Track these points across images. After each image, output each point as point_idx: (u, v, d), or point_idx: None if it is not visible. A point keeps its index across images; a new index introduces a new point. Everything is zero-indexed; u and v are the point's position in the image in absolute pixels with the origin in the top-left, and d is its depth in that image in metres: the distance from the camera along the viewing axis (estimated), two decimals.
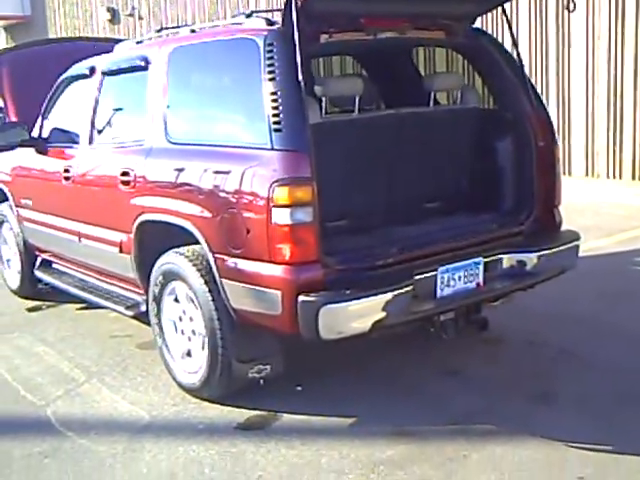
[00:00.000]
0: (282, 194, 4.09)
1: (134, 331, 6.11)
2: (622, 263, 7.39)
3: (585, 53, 10.20)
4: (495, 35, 6.57)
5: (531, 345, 5.42)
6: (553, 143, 5.11)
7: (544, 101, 10.40)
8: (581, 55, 10.25)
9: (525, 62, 10.46)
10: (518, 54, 5.22)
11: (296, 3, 4.13)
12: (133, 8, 16.57)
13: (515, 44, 5.24)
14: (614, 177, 10.21)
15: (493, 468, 3.90)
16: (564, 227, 5.20)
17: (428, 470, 3.91)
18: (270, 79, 4.23)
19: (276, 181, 4.11)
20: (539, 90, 10.37)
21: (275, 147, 4.16)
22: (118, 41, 6.72)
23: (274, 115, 4.17)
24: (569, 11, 4.81)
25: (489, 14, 6.29)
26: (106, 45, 6.74)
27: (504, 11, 5.22)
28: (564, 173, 10.47)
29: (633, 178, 10.03)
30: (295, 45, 4.14)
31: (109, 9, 16.98)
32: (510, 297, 5.06)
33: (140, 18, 16.40)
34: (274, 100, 4.18)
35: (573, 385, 4.79)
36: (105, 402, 4.95)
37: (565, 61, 10.47)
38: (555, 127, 10.24)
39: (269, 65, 4.25)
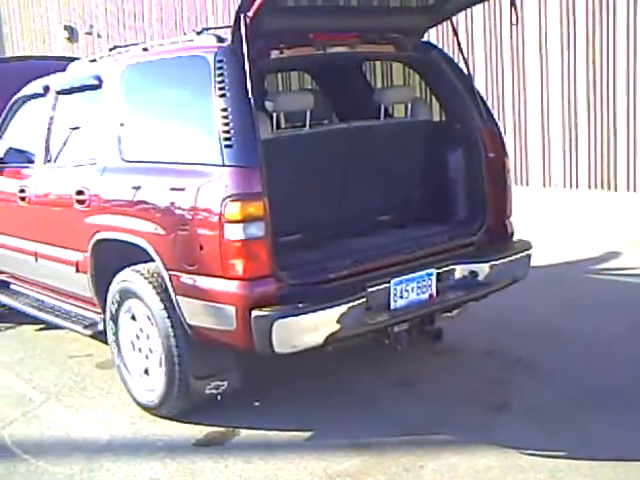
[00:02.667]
0: (234, 210, 4.11)
1: (93, 351, 6.08)
2: (574, 272, 7.49)
3: (539, 64, 10.33)
4: (450, 49, 6.66)
5: (486, 355, 5.47)
6: (503, 154, 5.17)
7: (499, 113, 10.53)
8: (535, 66, 10.38)
9: (481, 75, 10.66)
10: (467, 67, 5.29)
11: (245, 20, 4.16)
12: (91, 26, 16.49)
13: (463, 56, 5.31)
14: (570, 187, 10.33)
15: (449, 477, 3.94)
16: (517, 236, 5.28)
17: None
18: (220, 95, 4.26)
19: (228, 197, 4.13)
20: (495, 102, 10.55)
21: (226, 163, 4.18)
22: (72, 59, 6.72)
23: (225, 131, 4.19)
24: (512, 24, 4.89)
25: (442, 27, 6.40)
26: (60, 64, 6.72)
27: (452, 24, 5.29)
28: (522, 183, 10.60)
29: (589, 187, 10.15)
30: (245, 61, 4.18)
31: (66, 27, 16.85)
32: (465, 307, 5.11)
33: (99, 36, 16.33)
34: (224, 116, 4.21)
35: (528, 393, 4.84)
36: (63, 423, 4.92)
37: (520, 72, 10.58)
38: (512, 138, 10.36)
39: (219, 82, 4.28)
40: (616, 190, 9.86)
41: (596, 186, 10.09)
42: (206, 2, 14.26)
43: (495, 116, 5.38)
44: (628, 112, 9.58)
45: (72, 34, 17.13)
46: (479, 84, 10.36)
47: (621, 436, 4.21)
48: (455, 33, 5.47)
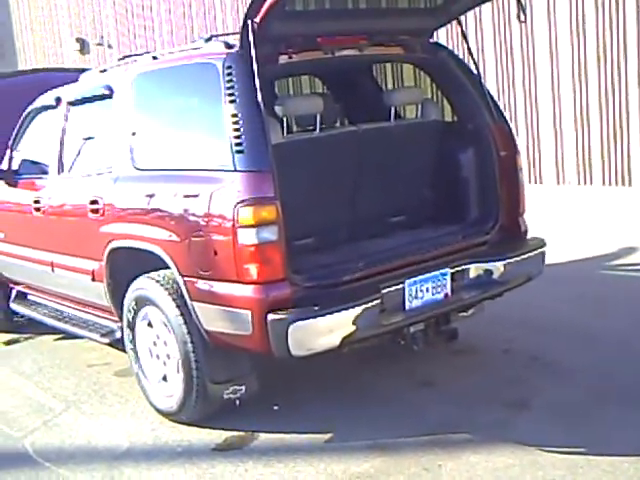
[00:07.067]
0: (247, 214, 4.13)
1: (112, 359, 6.11)
2: (590, 269, 7.46)
3: (550, 61, 10.32)
4: (459, 50, 6.66)
5: (503, 353, 5.47)
6: (515, 152, 5.17)
7: (511, 111, 10.50)
8: (546, 63, 10.37)
9: (491, 74, 10.65)
10: (476, 66, 5.29)
11: (252, 26, 4.19)
12: (101, 37, 16.63)
13: (472, 56, 5.31)
14: (584, 183, 10.30)
15: (468, 476, 3.93)
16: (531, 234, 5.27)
17: None
18: (230, 101, 4.28)
19: (240, 202, 4.15)
20: (506, 101, 10.54)
21: (238, 168, 4.20)
22: (84, 70, 6.76)
23: (235, 137, 4.21)
24: (520, 21, 4.90)
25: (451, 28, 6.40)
26: (72, 75, 6.76)
27: (460, 25, 5.30)
28: (535, 182, 10.58)
29: (603, 184, 10.12)
30: (253, 67, 4.20)
31: (78, 39, 17.03)
32: (481, 306, 5.11)
33: (109, 47, 16.46)
34: (235, 122, 4.23)
35: (546, 391, 4.82)
36: (83, 431, 4.95)
37: (531, 70, 10.58)
38: (524, 137, 10.33)
39: (229, 88, 4.30)
40: (631, 185, 9.83)
41: (610, 182, 10.06)
42: (216, 16, 14.35)
43: (507, 115, 5.38)
44: None
45: (83, 46, 17.28)
46: (490, 83, 10.38)
47: None
48: (464, 34, 5.48)
